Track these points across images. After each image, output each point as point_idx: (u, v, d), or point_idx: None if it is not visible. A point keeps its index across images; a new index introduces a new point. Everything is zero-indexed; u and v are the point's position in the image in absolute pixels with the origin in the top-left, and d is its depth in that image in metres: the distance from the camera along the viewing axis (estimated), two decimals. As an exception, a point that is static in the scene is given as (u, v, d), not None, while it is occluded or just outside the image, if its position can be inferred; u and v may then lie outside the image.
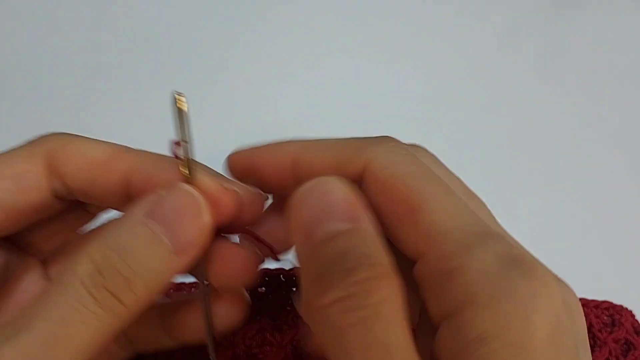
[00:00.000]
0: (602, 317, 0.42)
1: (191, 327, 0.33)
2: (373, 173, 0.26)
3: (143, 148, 0.32)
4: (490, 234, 0.24)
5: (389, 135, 0.29)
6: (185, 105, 0.25)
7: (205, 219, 0.27)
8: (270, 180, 0.31)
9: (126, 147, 0.31)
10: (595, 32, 0.70)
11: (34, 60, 0.67)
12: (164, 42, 0.69)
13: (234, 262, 0.30)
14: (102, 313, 0.25)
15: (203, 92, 0.64)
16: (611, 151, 0.62)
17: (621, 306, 0.43)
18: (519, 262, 0.23)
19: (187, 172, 0.28)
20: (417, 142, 0.31)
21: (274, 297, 0.41)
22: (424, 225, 0.24)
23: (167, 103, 0.25)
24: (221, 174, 0.31)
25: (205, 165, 0.31)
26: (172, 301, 0.35)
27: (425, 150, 0.31)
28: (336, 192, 0.25)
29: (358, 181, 0.27)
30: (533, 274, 0.23)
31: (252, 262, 0.31)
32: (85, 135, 0.32)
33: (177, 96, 0.25)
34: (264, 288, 0.42)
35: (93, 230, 0.35)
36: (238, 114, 0.65)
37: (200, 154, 0.33)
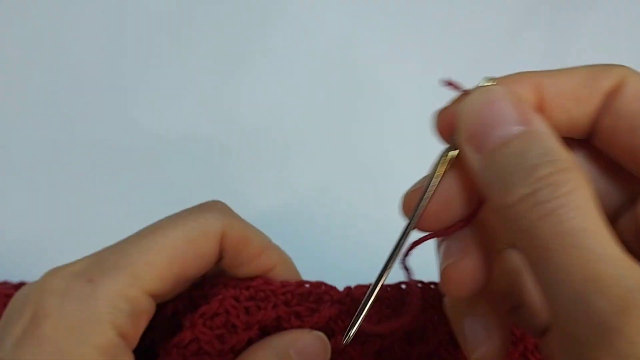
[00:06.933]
0: None
1: None
2: (629, 86, 0.28)
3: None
4: None
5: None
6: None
7: None
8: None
9: (271, 241, 0.38)
10: (606, 25, 0.69)
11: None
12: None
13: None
14: None
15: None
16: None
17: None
18: None
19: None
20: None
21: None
22: None
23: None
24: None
25: None
26: None
27: None
28: (503, 99, 0.27)
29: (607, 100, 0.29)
30: None
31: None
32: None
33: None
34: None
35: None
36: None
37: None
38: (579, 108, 0.29)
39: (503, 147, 0.26)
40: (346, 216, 0.62)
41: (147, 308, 0.33)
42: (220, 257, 0.36)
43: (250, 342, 0.36)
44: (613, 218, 0.32)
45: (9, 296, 0.38)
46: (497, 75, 0.29)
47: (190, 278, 0.35)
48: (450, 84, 0.29)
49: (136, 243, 0.33)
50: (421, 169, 0.30)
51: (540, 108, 0.29)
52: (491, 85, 0.28)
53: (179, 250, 0.33)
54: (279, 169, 0.64)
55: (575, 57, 0.68)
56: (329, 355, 0.36)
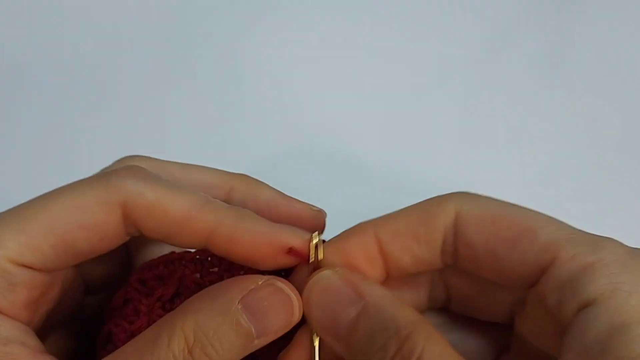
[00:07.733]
0: None
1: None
2: (467, 217, 0.29)
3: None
4: (602, 236, 0.27)
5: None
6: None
7: (295, 317, 0.30)
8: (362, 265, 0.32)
9: (206, 199, 0.32)
10: (601, 25, 0.69)
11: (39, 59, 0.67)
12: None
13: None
14: None
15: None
16: (613, 149, 0.61)
17: None
18: None
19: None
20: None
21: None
22: (543, 238, 0.27)
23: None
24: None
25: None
26: None
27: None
28: (332, 283, 0.29)
29: (449, 233, 0.30)
30: None
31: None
32: (159, 175, 0.33)
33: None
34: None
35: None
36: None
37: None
38: (422, 246, 0.30)
39: (353, 331, 0.27)
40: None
41: (23, 279, 0.30)
42: (134, 230, 0.32)
43: None
44: None
45: None
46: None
47: (84, 250, 0.32)
48: (292, 251, 0.31)
49: (16, 211, 0.31)
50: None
51: (384, 253, 0.31)
52: (322, 271, 0.29)
53: (58, 219, 0.30)
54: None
55: (573, 57, 0.67)
56: (295, 310, 0.30)
